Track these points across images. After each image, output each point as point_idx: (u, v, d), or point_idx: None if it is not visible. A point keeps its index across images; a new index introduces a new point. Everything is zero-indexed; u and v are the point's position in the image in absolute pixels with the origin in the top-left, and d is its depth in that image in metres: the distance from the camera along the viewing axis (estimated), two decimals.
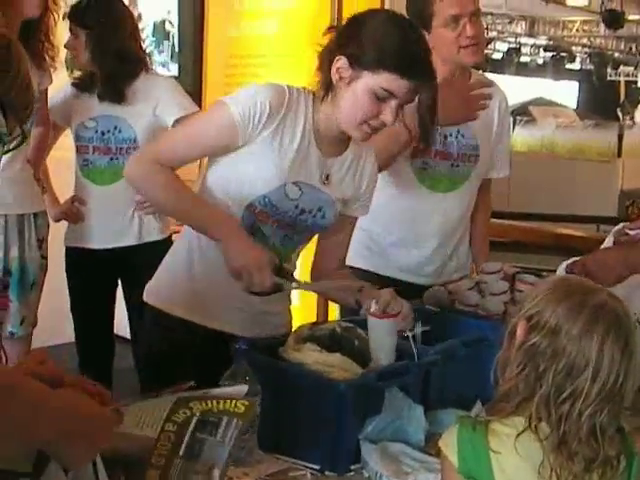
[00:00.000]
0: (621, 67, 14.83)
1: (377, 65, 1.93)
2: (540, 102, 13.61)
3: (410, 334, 1.92)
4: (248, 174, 2.04)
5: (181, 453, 1.43)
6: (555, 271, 2.36)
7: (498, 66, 13.72)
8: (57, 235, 3.26)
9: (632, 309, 2.13)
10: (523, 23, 13.54)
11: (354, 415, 1.78)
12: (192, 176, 2.74)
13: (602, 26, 11.83)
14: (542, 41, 14.58)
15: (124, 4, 3.32)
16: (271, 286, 1.97)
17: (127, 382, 2.66)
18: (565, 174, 9.02)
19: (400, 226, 2.73)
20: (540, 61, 15.27)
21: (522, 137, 10.51)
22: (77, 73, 3.36)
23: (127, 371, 3.01)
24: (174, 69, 5.19)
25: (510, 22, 13.43)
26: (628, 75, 14.74)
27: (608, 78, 14.74)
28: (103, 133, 3.17)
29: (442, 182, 2.70)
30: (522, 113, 11.47)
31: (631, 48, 14.26)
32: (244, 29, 4.54)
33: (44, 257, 3.01)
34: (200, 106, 3.95)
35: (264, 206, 2.06)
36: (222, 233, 2.02)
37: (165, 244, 2.99)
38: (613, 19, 10.51)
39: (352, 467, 1.77)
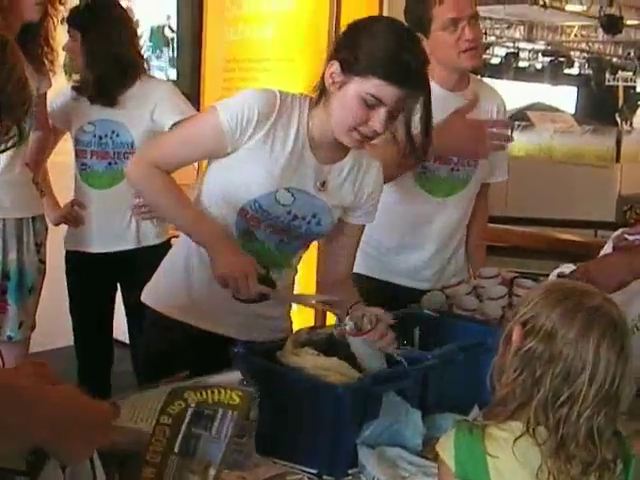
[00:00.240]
0: (619, 72, 14.86)
1: (366, 71, 1.92)
2: (538, 107, 13.64)
3: (398, 358, 1.91)
4: (241, 178, 2.05)
5: (176, 449, 1.43)
6: None
7: (496, 71, 13.75)
8: (56, 239, 3.26)
9: (630, 315, 2.14)
10: (521, 28, 13.56)
11: (352, 419, 1.78)
12: (189, 180, 2.73)
13: (600, 31, 11.83)
14: (540, 46, 14.62)
15: (123, 8, 3.31)
16: (256, 294, 1.99)
17: (126, 386, 2.66)
18: (563, 179, 9.04)
19: (399, 230, 2.73)
20: (538, 66, 15.31)
21: (520, 142, 10.50)
22: (75, 77, 3.36)
23: (126, 375, 3.01)
24: (172, 74, 5.19)
25: (508, 27, 13.46)
26: (626, 80, 14.77)
27: (606, 83, 14.77)
28: (101, 137, 3.16)
29: (442, 187, 2.70)
30: (520, 118, 11.48)
31: (629, 53, 14.28)
32: (242, 33, 4.53)
33: (42, 261, 3.01)
34: (198, 110, 3.94)
35: (255, 211, 2.06)
36: (207, 240, 2.04)
37: (164, 248, 2.98)
38: (611, 24, 10.50)
39: (350, 471, 1.77)
